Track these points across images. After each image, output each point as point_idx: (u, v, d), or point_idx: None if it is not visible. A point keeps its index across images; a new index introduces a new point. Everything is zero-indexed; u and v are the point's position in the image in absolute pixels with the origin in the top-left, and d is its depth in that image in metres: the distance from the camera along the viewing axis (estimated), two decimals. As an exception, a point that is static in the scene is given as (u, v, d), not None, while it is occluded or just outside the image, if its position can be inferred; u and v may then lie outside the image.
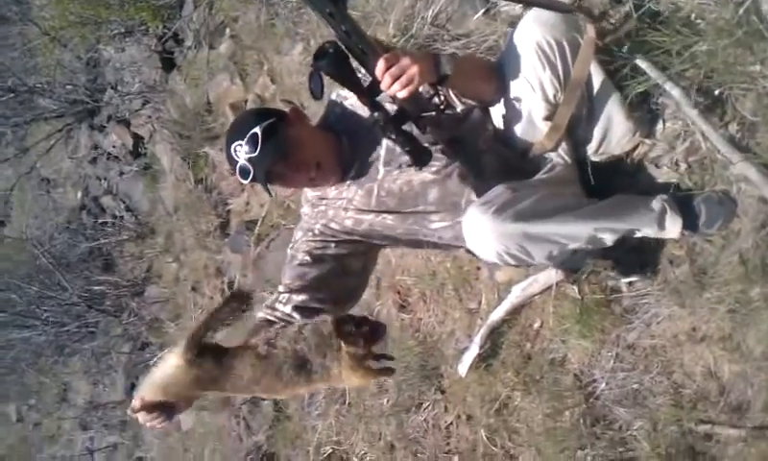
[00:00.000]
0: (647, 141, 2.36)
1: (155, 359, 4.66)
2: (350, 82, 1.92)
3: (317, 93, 1.99)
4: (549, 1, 2.19)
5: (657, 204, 2.19)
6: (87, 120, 6.68)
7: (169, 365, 1.74)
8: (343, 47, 1.82)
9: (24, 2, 7.40)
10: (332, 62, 1.85)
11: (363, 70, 1.89)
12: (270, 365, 1.74)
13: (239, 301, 1.82)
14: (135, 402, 1.81)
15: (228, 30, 4.79)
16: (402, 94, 1.83)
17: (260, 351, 1.75)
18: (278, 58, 4.21)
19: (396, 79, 1.81)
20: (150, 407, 1.80)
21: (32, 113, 6.93)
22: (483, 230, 1.95)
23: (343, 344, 1.70)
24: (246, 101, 4.59)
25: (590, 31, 2.11)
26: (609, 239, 2.13)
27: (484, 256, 2.07)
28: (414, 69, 1.81)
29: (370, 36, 1.86)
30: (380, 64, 1.81)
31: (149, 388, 1.79)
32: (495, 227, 1.93)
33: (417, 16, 3.04)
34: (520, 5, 2.54)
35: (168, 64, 5.53)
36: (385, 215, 2.26)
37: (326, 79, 1.92)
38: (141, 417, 1.83)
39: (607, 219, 2.11)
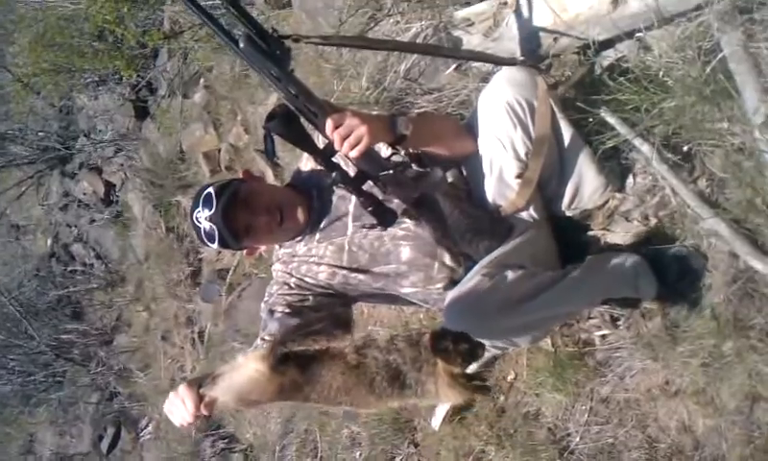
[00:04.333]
0: (618, 195, 2.37)
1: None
2: (302, 142, 1.96)
3: (269, 154, 2.05)
4: (493, 57, 2.25)
5: (630, 269, 2.21)
6: (59, 167, 6.65)
7: (250, 370, 1.63)
8: (292, 108, 1.85)
9: (-3, 49, 7.38)
10: (281, 124, 1.88)
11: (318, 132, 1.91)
12: (362, 375, 1.65)
13: (342, 327, 1.75)
14: (207, 401, 1.74)
15: (202, 80, 4.81)
16: (353, 154, 1.84)
17: (350, 360, 1.65)
18: (252, 108, 4.23)
19: (344, 138, 1.82)
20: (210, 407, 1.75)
21: (3, 160, 6.88)
22: (466, 329, 1.93)
23: (440, 360, 1.64)
24: (219, 150, 4.60)
25: (541, 83, 2.15)
26: (587, 310, 2.23)
27: None
28: (362, 129, 1.81)
29: (319, 97, 1.88)
30: (328, 124, 1.82)
31: (227, 392, 1.68)
32: (478, 326, 1.91)
33: (390, 70, 3.07)
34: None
35: (141, 113, 5.54)
36: (357, 274, 2.24)
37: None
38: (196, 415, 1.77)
39: (584, 294, 2.14)
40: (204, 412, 1.78)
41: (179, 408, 1.81)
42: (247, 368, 1.64)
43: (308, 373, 1.65)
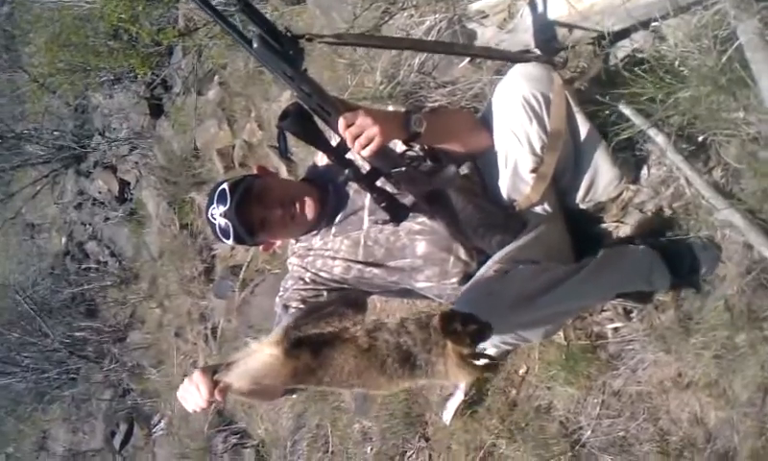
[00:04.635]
0: (632, 187, 2.37)
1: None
2: (315, 140, 1.96)
3: (282, 152, 2.06)
4: (508, 53, 2.24)
5: (644, 262, 2.21)
6: (74, 166, 6.68)
7: (264, 355, 1.64)
8: (306, 107, 1.87)
9: (13, 49, 7.44)
10: (294, 123, 1.90)
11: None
12: (373, 358, 1.66)
13: (352, 307, 1.75)
14: (222, 387, 1.72)
15: (216, 77, 4.83)
16: (365, 153, 1.85)
17: (361, 344, 1.66)
18: (266, 104, 4.24)
19: (356, 137, 1.83)
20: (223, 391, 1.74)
21: (18, 159, 6.92)
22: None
23: (449, 342, 1.65)
24: (233, 147, 4.61)
25: (557, 78, 2.15)
26: (600, 304, 2.24)
27: None
28: (374, 129, 1.82)
29: (332, 96, 1.90)
30: (340, 123, 1.83)
31: (241, 377, 1.69)
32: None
33: (403, 64, 3.07)
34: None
35: (156, 111, 5.55)
36: (372, 268, 2.24)
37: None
38: (209, 400, 1.76)
39: (598, 289, 2.15)
40: (218, 398, 1.76)
41: (192, 394, 1.80)
42: (261, 353, 1.65)
43: (321, 356, 1.66)
